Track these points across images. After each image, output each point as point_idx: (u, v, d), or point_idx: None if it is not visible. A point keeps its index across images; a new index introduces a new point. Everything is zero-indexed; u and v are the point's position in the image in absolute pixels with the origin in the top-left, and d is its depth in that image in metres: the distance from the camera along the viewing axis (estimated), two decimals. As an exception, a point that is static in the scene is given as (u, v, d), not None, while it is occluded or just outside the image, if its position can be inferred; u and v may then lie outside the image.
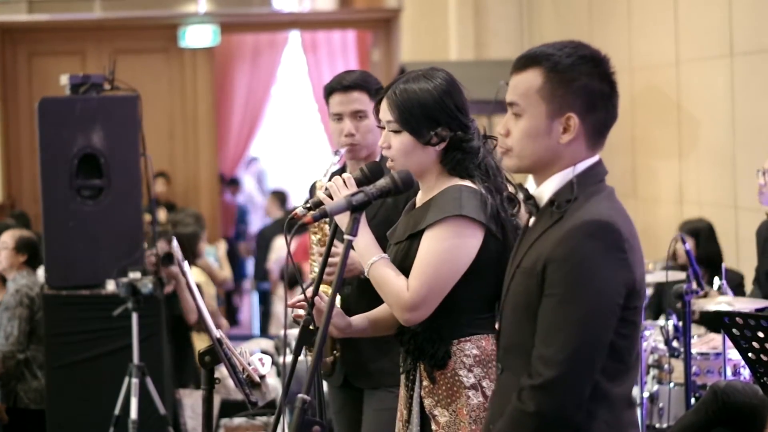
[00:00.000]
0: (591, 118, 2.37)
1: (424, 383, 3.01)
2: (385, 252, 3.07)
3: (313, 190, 3.82)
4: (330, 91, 3.65)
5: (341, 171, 3.78)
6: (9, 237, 6.15)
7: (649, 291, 5.94)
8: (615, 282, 2.29)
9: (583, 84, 2.35)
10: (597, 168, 2.41)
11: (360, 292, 3.55)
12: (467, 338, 2.97)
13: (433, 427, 2.98)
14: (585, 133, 2.38)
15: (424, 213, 3.01)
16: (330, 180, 3.71)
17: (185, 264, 2.98)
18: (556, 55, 2.36)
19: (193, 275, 7.77)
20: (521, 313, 2.39)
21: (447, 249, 2.91)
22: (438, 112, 2.99)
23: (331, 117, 3.65)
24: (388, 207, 3.51)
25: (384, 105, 3.05)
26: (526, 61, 2.40)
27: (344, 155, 3.66)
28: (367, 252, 3.01)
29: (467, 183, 3.00)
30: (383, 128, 3.08)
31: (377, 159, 3.62)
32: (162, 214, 10.15)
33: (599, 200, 2.37)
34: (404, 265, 3.00)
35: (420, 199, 3.11)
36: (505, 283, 2.49)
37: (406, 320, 2.96)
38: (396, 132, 3.02)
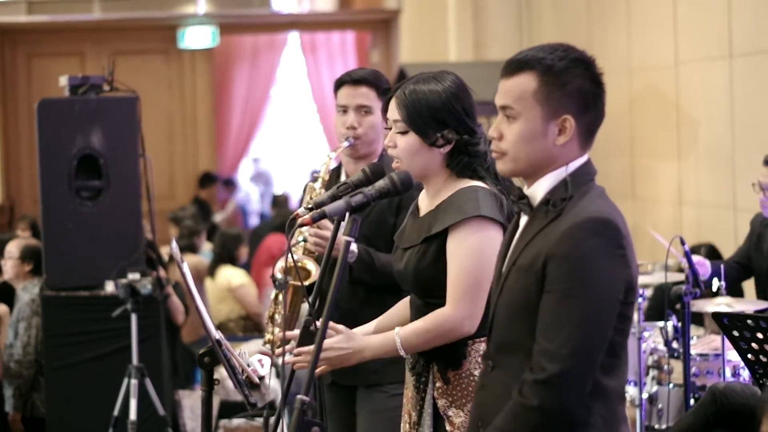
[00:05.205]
0: (584, 119, 2.41)
1: (438, 384, 3.00)
2: (390, 255, 3.06)
3: (306, 188, 3.83)
4: (339, 83, 3.66)
5: (337, 170, 3.79)
6: (14, 247, 6.16)
7: (649, 292, 5.94)
8: (616, 278, 2.32)
9: (577, 86, 2.38)
10: (587, 167, 2.45)
11: (351, 289, 3.55)
12: (483, 339, 2.96)
13: (448, 427, 2.98)
14: (578, 133, 2.41)
15: (437, 215, 3.00)
16: (329, 177, 3.73)
17: (184, 266, 2.97)
18: (548, 59, 2.38)
19: (238, 275, 7.84)
20: (518, 310, 2.40)
21: (478, 252, 2.91)
22: (445, 114, 2.99)
23: (337, 108, 3.65)
24: (381, 206, 3.52)
25: (392, 104, 3.06)
26: (517, 65, 2.41)
27: (344, 151, 3.66)
28: (385, 346, 2.98)
29: (480, 184, 3.00)
30: (389, 129, 3.09)
31: (376, 160, 3.62)
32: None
33: (594, 197, 2.40)
34: (419, 267, 2.99)
35: (426, 203, 3.09)
36: (499, 281, 2.50)
37: (467, 333, 2.95)
38: (403, 132, 3.02)
